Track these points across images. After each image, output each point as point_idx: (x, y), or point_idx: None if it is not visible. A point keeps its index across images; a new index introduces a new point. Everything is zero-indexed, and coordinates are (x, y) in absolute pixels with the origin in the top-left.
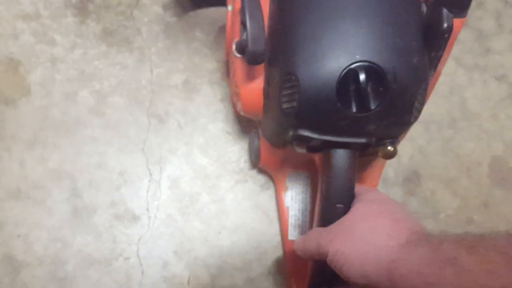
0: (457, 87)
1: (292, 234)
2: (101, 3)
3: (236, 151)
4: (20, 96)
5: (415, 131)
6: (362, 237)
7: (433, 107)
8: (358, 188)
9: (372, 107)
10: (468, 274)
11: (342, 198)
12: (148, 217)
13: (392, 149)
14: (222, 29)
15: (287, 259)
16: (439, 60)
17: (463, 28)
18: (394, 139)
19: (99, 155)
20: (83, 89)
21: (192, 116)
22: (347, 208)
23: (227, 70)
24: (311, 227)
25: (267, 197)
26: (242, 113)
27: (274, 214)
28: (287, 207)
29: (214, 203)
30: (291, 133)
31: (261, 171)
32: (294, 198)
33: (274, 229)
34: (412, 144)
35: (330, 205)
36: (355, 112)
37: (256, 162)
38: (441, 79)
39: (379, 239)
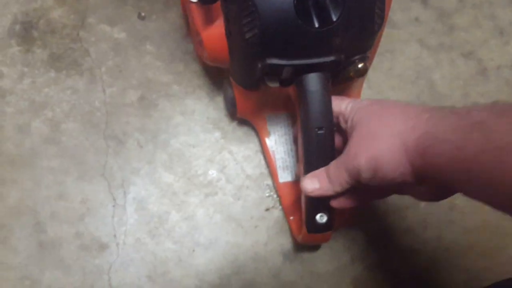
0: (424, 70)
1: (282, 176)
2: (45, 28)
3: (202, 164)
4: None
5: None
6: (382, 134)
7: (401, 93)
8: (346, 102)
9: (334, 19)
10: (495, 134)
11: (322, 121)
12: (117, 243)
13: (362, 65)
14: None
15: (282, 200)
16: None
17: (423, 8)
18: (363, 55)
19: (59, 185)
20: (35, 119)
21: (152, 133)
22: (328, 132)
23: (187, 28)
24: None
25: (239, 208)
26: (209, 62)
27: (248, 225)
28: (273, 151)
29: (184, 221)
30: (259, 65)
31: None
32: (278, 141)
33: (249, 240)
34: None
35: (312, 132)
36: (318, 27)
37: (233, 113)
38: (406, 64)
39: (399, 127)
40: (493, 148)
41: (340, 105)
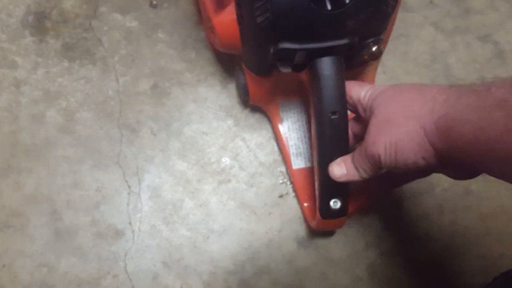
0: (439, 53)
1: (296, 163)
2: (58, 18)
3: (215, 151)
4: None
5: None
6: (399, 119)
7: (416, 78)
8: (365, 90)
9: (347, 1)
10: None
11: (336, 106)
12: (132, 231)
13: (376, 48)
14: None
15: (296, 187)
16: None
17: None
18: (377, 37)
19: (74, 174)
20: (50, 109)
21: (165, 121)
22: (342, 117)
23: (199, 15)
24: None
25: (252, 195)
26: (221, 49)
27: (261, 211)
28: (286, 138)
29: (198, 208)
30: (272, 50)
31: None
32: (291, 127)
33: (263, 227)
34: None
35: (325, 117)
36: (330, 10)
37: (246, 100)
38: (421, 47)
39: (416, 110)
40: None
41: (360, 92)
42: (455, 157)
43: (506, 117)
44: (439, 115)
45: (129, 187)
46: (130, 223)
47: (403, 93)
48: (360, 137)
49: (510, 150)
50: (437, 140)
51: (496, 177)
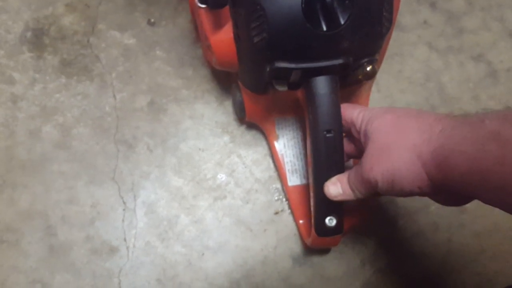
0: (433, 72)
1: (291, 180)
2: (56, 35)
3: (210, 167)
4: None
5: None
6: (397, 148)
7: (410, 96)
8: (358, 111)
9: (342, 22)
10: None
11: (331, 124)
12: (127, 247)
13: (370, 68)
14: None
15: (291, 204)
16: None
17: (432, 11)
18: (372, 57)
19: (69, 189)
20: (46, 124)
21: (162, 137)
22: (337, 135)
23: (196, 33)
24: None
25: (248, 211)
26: (217, 67)
27: (257, 228)
28: (282, 155)
29: (194, 224)
30: (268, 69)
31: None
32: (287, 144)
33: (259, 244)
34: None
35: (320, 135)
36: (326, 31)
37: (242, 117)
38: (415, 66)
39: (413, 140)
40: (511, 159)
41: (352, 112)
42: (450, 186)
43: (499, 149)
44: (436, 146)
45: (124, 203)
46: (125, 239)
47: (400, 120)
48: (351, 156)
49: (503, 180)
50: (433, 170)
51: (489, 204)
